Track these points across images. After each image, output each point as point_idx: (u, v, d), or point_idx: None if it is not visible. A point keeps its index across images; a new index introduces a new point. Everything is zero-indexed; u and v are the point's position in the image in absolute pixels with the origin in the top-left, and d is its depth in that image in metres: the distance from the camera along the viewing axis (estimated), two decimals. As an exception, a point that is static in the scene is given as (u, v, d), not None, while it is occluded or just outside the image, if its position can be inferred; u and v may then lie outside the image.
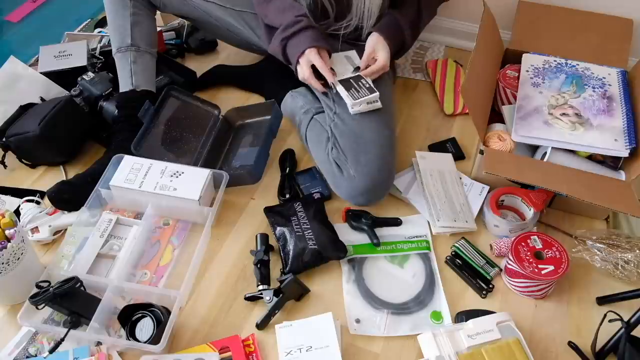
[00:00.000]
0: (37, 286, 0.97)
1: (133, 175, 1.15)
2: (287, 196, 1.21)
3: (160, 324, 0.96)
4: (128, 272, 1.08)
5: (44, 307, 0.97)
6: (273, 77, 1.47)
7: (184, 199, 1.12)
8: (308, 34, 1.17)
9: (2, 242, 0.94)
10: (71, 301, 0.97)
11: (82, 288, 1.01)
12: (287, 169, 1.27)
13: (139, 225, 1.15)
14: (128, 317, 0.97)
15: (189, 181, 1.14)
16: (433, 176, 1.22)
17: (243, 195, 1.24)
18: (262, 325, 1.01)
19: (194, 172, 1.16)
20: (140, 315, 0.97)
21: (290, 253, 1.08)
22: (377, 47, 1.21)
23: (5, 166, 1.28)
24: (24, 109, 1.31)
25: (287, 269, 1.07)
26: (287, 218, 1.13)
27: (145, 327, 0.96)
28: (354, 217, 1.16)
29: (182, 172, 1.16)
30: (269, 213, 1.17)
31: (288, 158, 1.29)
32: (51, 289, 0.95)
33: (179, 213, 1.17)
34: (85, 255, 1.09)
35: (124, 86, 1.29)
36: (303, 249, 1.07)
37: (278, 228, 1.12)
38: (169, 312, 0.98)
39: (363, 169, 1.13)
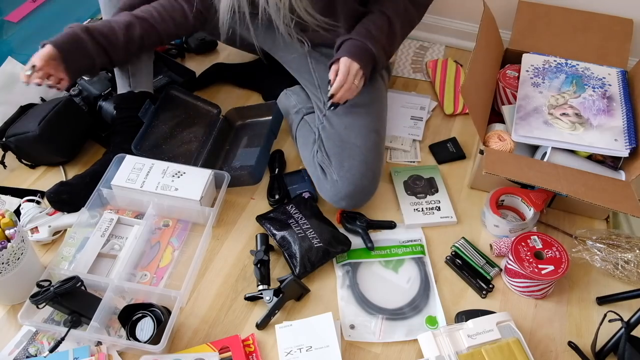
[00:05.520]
0: (38, 285, 0.97)
1: (135, 175, 1.15)
2: (277, 197, 1.20)
3: (160, 324, 0.96)
4: (128, 272, 1.08)
5: (44, 306, 0.96)
6: (270, 75, 1.46)
7: (186, 199, 1.12)
8: (65, 32, 1.09)
9: (2, 242, 0.94)
10: (72, 300, 0.97)
11: (82, 287, 1.01)
12: (277, 169, 1.26)
13: (140, 225, 1.15)
14: (128, 317, 0.97)
15: (191, 181, 1.14)
16: None
17: (243, 195, 1.24)
18: (262, 325, 1.01)
19: (196, 172, 1.16)
20: (140, 315, 0.97)
21: (298, 255, 1.06)
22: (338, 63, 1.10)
23: (5, 166, 1.28)
24: (24, 109, 1.31)
25: (297, 271, 1.06)
26: (284, 222, 1.12)
27: (145, 327, 0.96)
28: (348, 219, 1.15)
29: (184, 172, 1.16)
30: (263, 221, 1.15)
31: (277, 159, 1.29)
32: (52, 288, 0.95)
33: (180, 213, 1.17)
34: (86, 254, 1.09)
35: (122, 88, 1.29)
36: (309, 249, 1.07)
37: (278, 233, 1.11)
38: (169, 312, 0.98)
39: (346, 174, 1.11)
